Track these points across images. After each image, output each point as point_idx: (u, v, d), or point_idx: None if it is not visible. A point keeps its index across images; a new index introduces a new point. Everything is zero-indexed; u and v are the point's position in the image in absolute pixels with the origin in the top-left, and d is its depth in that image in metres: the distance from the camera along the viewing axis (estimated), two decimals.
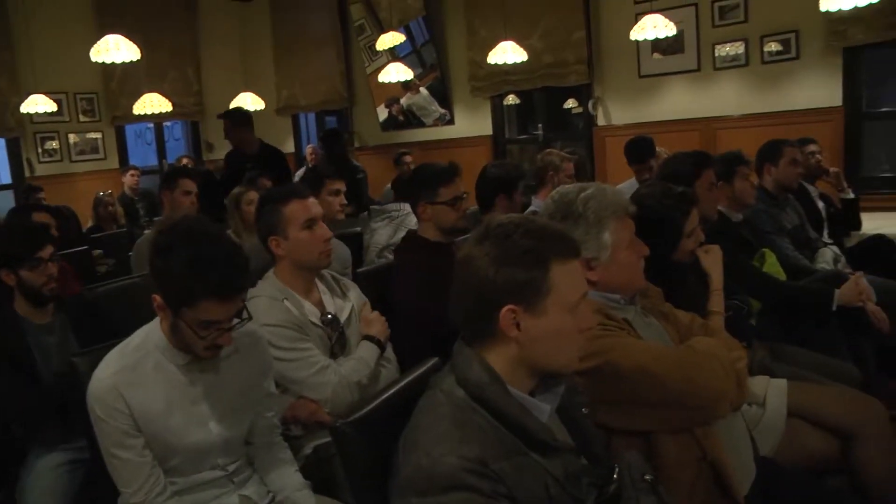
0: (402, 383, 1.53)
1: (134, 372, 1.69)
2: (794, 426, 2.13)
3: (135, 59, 4.87)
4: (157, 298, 1.65)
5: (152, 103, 6.29)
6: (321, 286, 2.32)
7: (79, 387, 1.77)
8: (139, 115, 6.56)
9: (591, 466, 1.34)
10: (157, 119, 8.18)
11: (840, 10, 4.34)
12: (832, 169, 4.39)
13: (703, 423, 1.67)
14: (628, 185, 4.26)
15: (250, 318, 1.73)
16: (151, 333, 1.74)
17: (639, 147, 4.60)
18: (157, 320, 1.73)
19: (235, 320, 1.67)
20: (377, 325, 2.32)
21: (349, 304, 2.34)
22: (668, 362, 1.63)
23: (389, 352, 2.34)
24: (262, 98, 7.32)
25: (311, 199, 2.28)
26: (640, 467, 1.36)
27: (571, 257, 1.28)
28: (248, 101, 7.09)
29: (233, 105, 6.95)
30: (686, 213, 2.16)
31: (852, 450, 2.07)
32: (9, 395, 2.34)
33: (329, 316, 2.26)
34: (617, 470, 1.34)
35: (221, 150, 8.88)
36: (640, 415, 1.63)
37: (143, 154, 9.22)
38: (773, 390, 2.21)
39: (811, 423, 2.15)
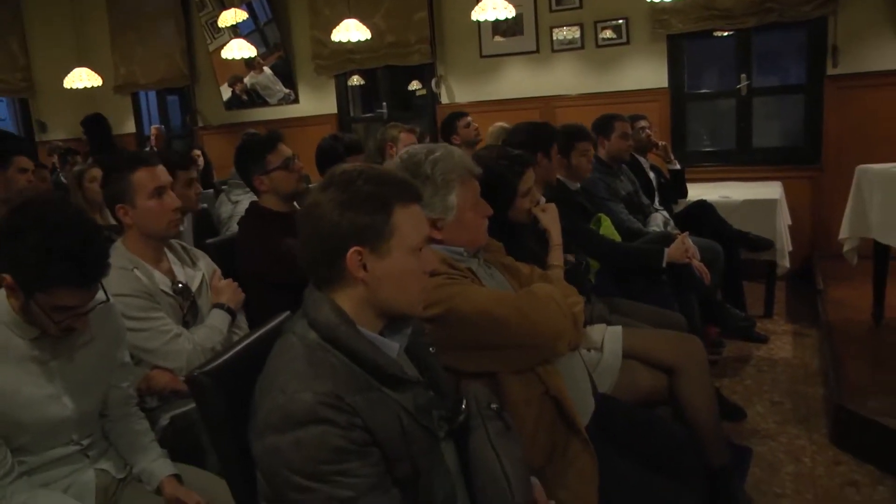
0: (258, 333, 1.54)
1: None
2: (628, 366, 2.33)
3: None
4: (8, 279, 1.58)
5: None
6: (171, 256, 2.28)
7: None
8: None
9: (440, 399, 1.42)
10: None
11: (662, 0, 4.72)
12: (661, 143, 4.75)
13: (544, 361, 1.79)
14: None
15: (108, 299, 1.69)
16: None
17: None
18: (1, 292, 1.65)
19: (91, 303, 1.63)
20: (227, 292, 2.32)
21: (199, 273, 2.32)
22: (508, 306, 1.73)
23: (242, 320, 2.34)
24: (99, 74, 6.84)
25: (160, 168, 2.23)
26: (486, 397, 1.46)
27: (413, 202, 1.34)
28: (84, 78, 6.59)
29: (66, 81, 6.50)
30: (520, 174, 2.26)
31: (676, 383, 2.31)
32: None
33: (180, 285, 2.23)
34: (464, 402, 1.43)
35: (56, 129, 8.32)
36: (486, 356, 1.72)
37: None
38: (609, 336, 2.40)
39: (643, 363, 2.36)
